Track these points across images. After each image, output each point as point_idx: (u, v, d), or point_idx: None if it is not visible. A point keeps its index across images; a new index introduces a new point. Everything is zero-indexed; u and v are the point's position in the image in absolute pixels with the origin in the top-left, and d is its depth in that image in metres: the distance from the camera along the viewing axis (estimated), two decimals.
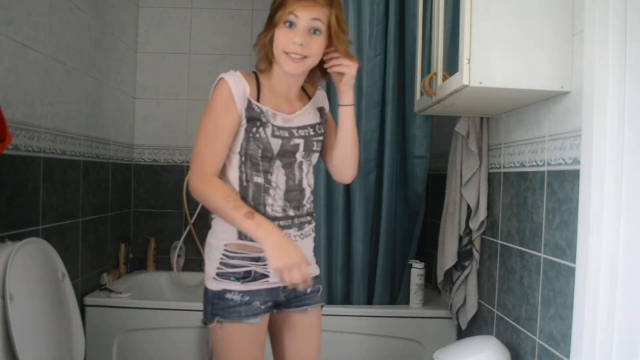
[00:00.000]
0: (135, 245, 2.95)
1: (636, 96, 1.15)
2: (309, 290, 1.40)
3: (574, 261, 1.29)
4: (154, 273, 2.95)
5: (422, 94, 1.80)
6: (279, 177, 1.31)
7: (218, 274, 1.30)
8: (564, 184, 1.37)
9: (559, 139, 1.41)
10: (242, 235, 1.29)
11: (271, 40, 1.29)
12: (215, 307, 1.30)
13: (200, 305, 2.28)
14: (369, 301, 2.35)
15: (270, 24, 1.29)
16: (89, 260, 2.41)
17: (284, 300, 1.37)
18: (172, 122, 3.02)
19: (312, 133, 1.37)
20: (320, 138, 1.40)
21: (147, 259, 2.96)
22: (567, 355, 1.31)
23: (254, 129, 1.28)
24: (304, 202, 1.37)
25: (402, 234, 2.40)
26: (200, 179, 1.24)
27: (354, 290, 2.33)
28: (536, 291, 1.52)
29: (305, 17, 1.23)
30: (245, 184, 1.31)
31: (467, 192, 1.92)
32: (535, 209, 1.54)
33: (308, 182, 1.38)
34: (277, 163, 1.31)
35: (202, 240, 2.90)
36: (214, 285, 1.31)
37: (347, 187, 2.30)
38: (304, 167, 1.36)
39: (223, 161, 1.29)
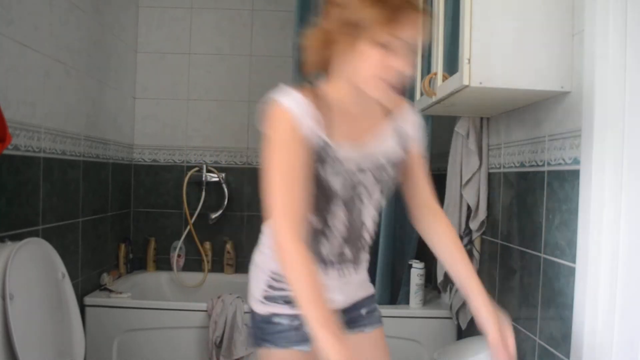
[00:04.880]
0: (135, 245, 2.95)
1: (636, 96, 1.15)
2: (364, 311, 1.28)
3: (574, 261, 1.29)
4: (154, 273, 2.95)
5: (422, 94, 1.80)
6: (338, 218, 1.14)
7: (266, 297, 1.18)
8: (564, 184, 1.37)
9: (559, 139, 1.41)
10: None
11: (350, 52, 1.03)
12: (263, 332, 1.18)
13: (199, 306, 2.30)
14: None
15: (351, 29, 1.00)
16: (89, 260, 2.41)
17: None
18: (172, 122, 3.02)
19: (385, 162, 1.17)
20: (396, 165, 1.20)
21: (147, 259, 2.96)
22: (567, 355, 1.31)
23: (312, 164, 1.08)
24: (368, 239, 1.22)
25: (402, 234, 2.39)
26: (285, 238, 1.02)
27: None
28: (536, 291, 1.52)
29: (412, 40, 1.01)
30: None
31: (467, 192, 1.92)
32: (535, 209, 1.54)
33: (374, 217, 1.21)
34: (338, 201, 1.13)
35: (202, 240, 2.94)
36: (261, 308, 1.18)
37: None
38: (371, 201, 1.18)
39: (307, 202, 1.06)
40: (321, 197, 1.11)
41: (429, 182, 1.27)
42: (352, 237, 1.18)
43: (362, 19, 0.98)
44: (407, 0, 0.97)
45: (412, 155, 1.23)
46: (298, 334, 1.15)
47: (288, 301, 1.14)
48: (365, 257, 1.27)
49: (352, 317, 1.26)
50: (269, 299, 1.18)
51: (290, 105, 1.05)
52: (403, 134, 1.21)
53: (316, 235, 1.15)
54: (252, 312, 1.22)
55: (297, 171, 1.04)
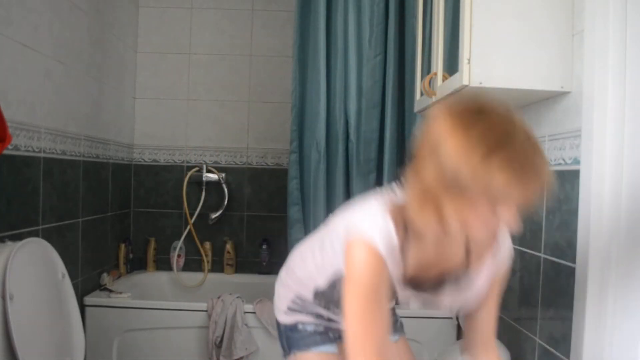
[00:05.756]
0: (135, 245, 2.95)
1: (636, 96, 1.15)
2: None
3: (574, 261, 1.29)
4: (154, 273, 2.95)
5: (422, 94, 1.80)
6: None
7: (289, 308, 1.23)
8: (564, 184, 1.37)
9: (559, 139, 1.41)
10: (316, 302, 1.18)
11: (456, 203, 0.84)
12: (290, 340, 1.23)
13: (199, 306, 2.30)
14: None
15: (454, 187, 0.82)
16: (89, 260, 2.41)
17: None
18: (172, 122, 3.02)
19: (452, 304, 1.09)
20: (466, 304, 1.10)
21: (147, 259, 2.96)
22: (567, 355, 1.31)
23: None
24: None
25: None
26: None
27: None
28: (536, 291, 1.52)
29: (526, 201, 0.86)
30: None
31: None
32: (535, 209, 1.54)
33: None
34: None
35: (202, 240, 2.94)
36: (286, 318, 1.24)
37: (347, 188, 2.30)
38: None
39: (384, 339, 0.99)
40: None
41: (495, 316, 1.11)
42: None
43: (477, 184, 0.80)
44: (535, 172, 0.82)
45: (490, 290, 1.08)
46: (323, 337, 1.21)
47: (310, 313, 1.21)
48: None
49: None
50: (293, 310, 1.23)
51: (381, 249, 0.93)
52: (491, 273, 1.05)
53: (320, 306, 1.18)
54: (277, 323, 1.27)
55: (379, 319, 0.97)
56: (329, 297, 1.13)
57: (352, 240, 0.95)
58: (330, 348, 1.20)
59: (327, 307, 1.19)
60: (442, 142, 0.82)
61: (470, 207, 0.84)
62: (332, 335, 1.23)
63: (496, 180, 0.79)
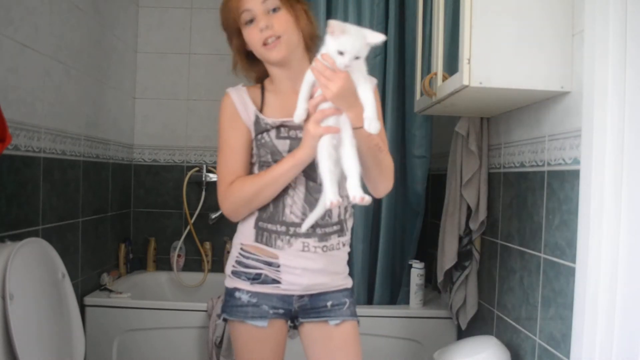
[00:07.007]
0: (135, 245, 2.95)
1: (636, 96, 1.16)
2: (330, 304, 1.32)
3: (574, 261, 1.29)
4: (154, 273, 2.95)
5: (422, 94, 1.80)
6: (297, 177, 1.25)
7: (232, 272, 1.32)
8: (564, 184, 1.37)
9: (559, 139, 1.41)
10: (258, 238, 1.28)
11: (246, 53, 1.32)
12: (226, 304, 1.32)
13: (199, 306, 2.30)
14: (369, 301, 2.35)
15: (233, 37, 1.30)
16: (89, 260, 2.41)
17: (299, 310, 1.32)
18: (172, 122, 3.02)
19: None
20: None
21: (147, 259, 2.96)
22: (567, 355, 1.31)
23: (259, 136, 1.27)
24: (335, 216, 1.28)
25: (402, 234, 2.39)
26: (224, 194, 1.27)
27: (354, 290, 2.33)
28: (536, 291, 1.52)
29: (255, 5, 1.23)
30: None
31: (467, 192, 1.92)
32: (535, 209, 1.54)
33: None
34: None
35: (202, 240, 2.95)
36: (229, 282, 1.33)
37: None
38: None
39: (244, 173, 1.29)
40: (276, 162, 1.24)
41: None
42: (312, 199, 1.25)
43: (225, 23, 1.30)
44: None
45: None
46: (255, 310, 1.28)
47: (249, 278, 1.29)
48: (337, 243, 1.30)
49: (315, 307, 1.32)
50: (234, 273, 1.31)
51: (232, 95, 1.31)
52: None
53: (279, 197, 1.25)
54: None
55: (232, 151, 1.28)
56: (266, 162, 1.27)
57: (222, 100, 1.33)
58: (260, 322, 1.27)
59: (267, 240, 1.27)
60: None
61: (246, 39, 1.27)
62: (266, 307, 1.28)
63: (229, 4, 1.25)
